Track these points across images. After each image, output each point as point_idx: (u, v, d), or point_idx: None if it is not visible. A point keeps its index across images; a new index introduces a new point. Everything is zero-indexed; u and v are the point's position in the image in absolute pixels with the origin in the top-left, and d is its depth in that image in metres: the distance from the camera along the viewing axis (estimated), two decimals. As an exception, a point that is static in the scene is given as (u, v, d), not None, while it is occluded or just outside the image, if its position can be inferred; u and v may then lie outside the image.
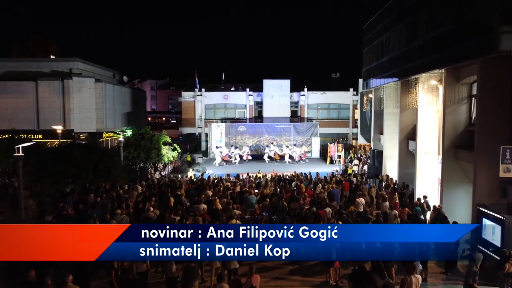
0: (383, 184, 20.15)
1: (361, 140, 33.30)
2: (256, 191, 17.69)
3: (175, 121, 66.86)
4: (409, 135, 17.99)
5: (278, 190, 16.16)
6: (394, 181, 18.72)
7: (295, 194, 14.37)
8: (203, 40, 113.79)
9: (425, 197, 15.20)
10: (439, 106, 15.31)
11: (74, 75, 36.51)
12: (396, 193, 17.84)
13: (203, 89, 38.09)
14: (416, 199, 15.55)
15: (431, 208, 15.09)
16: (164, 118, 76.30)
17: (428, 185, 15.91)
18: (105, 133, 38.71)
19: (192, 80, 41.88)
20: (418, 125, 15.93)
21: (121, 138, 21.60)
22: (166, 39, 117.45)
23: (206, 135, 35.98)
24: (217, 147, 32.18)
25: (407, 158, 18.05)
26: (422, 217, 14.40)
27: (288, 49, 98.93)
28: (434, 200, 15.64)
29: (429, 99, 15.50)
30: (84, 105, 36.11)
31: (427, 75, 14.75)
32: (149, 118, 74.76)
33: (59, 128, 29.25)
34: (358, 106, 34.28)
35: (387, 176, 19.91)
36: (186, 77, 56.77)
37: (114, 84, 40.74)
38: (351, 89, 37.84)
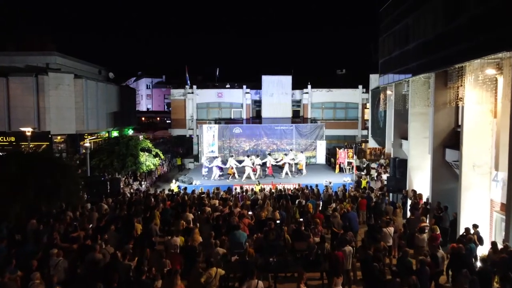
0: (409, 201, 16.30)
1: (372, 144, 29.44)
2: (250, 213, 13.85)
3: (170, 121, 63.30)
4: (446, 141, 14.08)
5: (278, 215, 12.22)
6: (426, 200, 14.81)
7: (301, 228, 10.38)
8: (201, 37, 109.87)
9: (475, 226, 11.32)
10: (495, 105, 11.42)
11: (51, 70, 32.62)
12: (428, 216, 13.98)
13: (194, 86, 34.15)
14: (463, 230, 11.63)
15: (483, 243, 11.24)
16: (158, 118, 72.59)
17: (476, 210, 11.99)
18: (86, 135, 34.95)
19: (190, 77, 37.83)
20: (464, 129, 12.02)
21: (87, 144, 17.73)
22: (163, 37, 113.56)
23: (198, 137, 32.06)
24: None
25: (443, 170, 14.14)
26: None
27: (288, 43, 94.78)
28: (485, 231, 11.76)
29: (480, 95, 11.59)
30: (62, 104, 32.26)
31: (480, 62, 10.85)
32: (143, 118, 71.25)
33: (28, 130, 25.43)
34: (369, 105, 30.40)
35: (414, 191, 16.00)
36: (184, 75, 53.38)
37: (97, 81, 36.86)
38: (360, 86, 33.91)
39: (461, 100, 12.44)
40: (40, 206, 12.74)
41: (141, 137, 28.12)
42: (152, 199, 16.22)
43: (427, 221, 13.12)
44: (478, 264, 10.66)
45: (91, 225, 12.98)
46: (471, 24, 10.62)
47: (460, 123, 13.67)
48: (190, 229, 12.06)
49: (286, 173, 23.22)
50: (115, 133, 38.27)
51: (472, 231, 11.17)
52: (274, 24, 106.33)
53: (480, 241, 11.12)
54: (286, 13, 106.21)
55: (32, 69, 32.44)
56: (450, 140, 14.03)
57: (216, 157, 24.40)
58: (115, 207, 15.14)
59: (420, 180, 16.45)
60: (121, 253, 9.68)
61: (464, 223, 11.89)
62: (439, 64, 12.86)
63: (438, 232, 11.20)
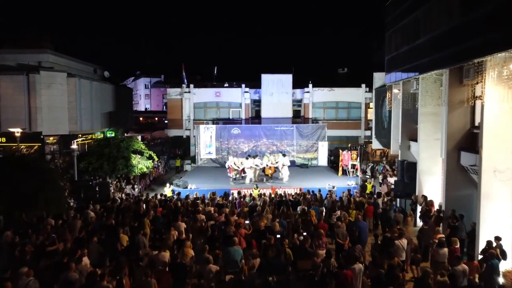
0: (418, 207, 15.17)
1: (376, 145, 28.27)
2: (248, 222, 12.70)
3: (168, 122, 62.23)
4: (461, 143, 12.95)
5: (278, 226, 11.05)
6: (439, 208, 13.66)
7: (306, 245, 9.16)
8: (201, 37, 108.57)
9: (498, 239, 10.18)
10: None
11: (43, 69, 31.48)
12: (441, 225, 12.85)
13: (191, 85, 32.97)
14: (482, 242, 10.50)
15: (506, 257, 10.10)
16: (157, 118, 71.55)
17: (498, 220, 10.85)
18: (80, 135, 33.80)
19: (188, 77, 36.58)
20: (484, 130, 10.88)
21: (74, 146, 16.56)
22: (163, 37, 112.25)
23: (195, 138, 30.88)
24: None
25: (458, 175, 13.00)
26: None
27: (289, 42, 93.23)
28: (507, 244, 10.60)
29: (502, 92, 10.46)
30: (54, 103, 31.12)
31: (504, 56, 9.71)
32: (141, 118, 70.30)
33: (17, 131, 24.39)
34: (372, 104, 29.24)
35: (425, 197, 14.85)
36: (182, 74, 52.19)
37: (92, 80, 35.66)
38: (363, 85, 32.75)
39: (480, 99, 11.31)
40: (21, 215, 11.64)
41: (139, 137, 26.96)
42: (143, 206, 15.08)
43: (454, 239, 11.73)
44: (500, 280, 9.60)
45: (73, 236, 11.85)
46: (497, 13, 9.47)
47: (476, 124, 12.58)
48: (182, 241, 10.91)
49: (251, 179, 21.66)
50: (110, 134, 37.15)
51: (494, 244, 10.06)
52: (274, 23, 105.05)
53: (503, 255, 9.98)
54: (286, 12, 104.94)
55: (23, 67, 31.31)
56: (465, 142, 12.90)
57: (247, 158, 22.61)
58: (102, 215, 14.00)
59: (431, 185, 15.35)
60: (101, 271, 8.54)
61: (484, 234, 10.74)
62: (455, 59, 11.71)
63: (458, 245, 10.05)
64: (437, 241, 10.53)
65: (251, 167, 21.54)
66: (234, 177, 21.75)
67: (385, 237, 10.32)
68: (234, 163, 21.83)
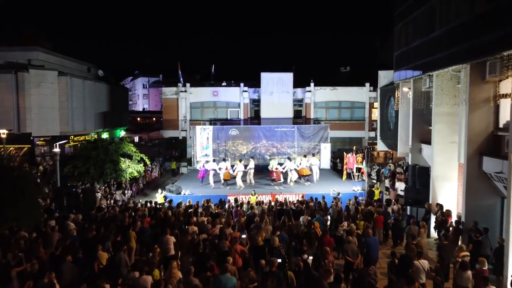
0: (432, 217, 13.81)
1: (381, 146, 26.91)
2: (244, 236, 11.34)
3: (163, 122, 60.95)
4: (483, 147, 11.57)
5: (277, 241, 9.65)
6: (458, 219, 12.27)
7: (314, 272, 7.72)
8: (200, 36, 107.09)
9: (532, 259, 8.82)
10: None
11: (32, 67, 30.13)
12: (460, 238, 11.49)
13: (188, 84, 31.58)
14: (513, 261, 9.15)
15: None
16: (154, 119, 70.32)
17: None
18: (72, 137, 32.52)
19: (187, 76, 35.16)
20: (514, 133, 9.51)
21: (56, 149, 15.18)
22: (162, 36, 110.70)
23: (192, 139, 29.51)
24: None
25: (480, 183, 11.61)
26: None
27: (289, 40, 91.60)
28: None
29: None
30: (44, 103, 29.79)
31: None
32: (138, 119, 69.12)
33: (3, 132, 23.12)
34: (377, 104, 27.89)
35: (440, 206, 13.49)
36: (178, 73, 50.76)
37: (85, 79, 34.26)
38: (367, 84, 31.36)
39: (507, 96, 9.95)
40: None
41: (136, 138, 25.53)
42: (130, 215, 13.68)
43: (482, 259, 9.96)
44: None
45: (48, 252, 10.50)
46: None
47: (501, 125, 11.24)
48: (169, 260, 9.55)
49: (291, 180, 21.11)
50: (105, 135, 35.86)
51: (528, 265, 8.70)
52: (274, 22, 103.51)
53: (540, 278, 8.63)
54: (286, 11, 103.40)
55: (11, 65, 29.95)
56: (488, 146, 11.52)
57: (290, 159, 22.41)
58: (84, 226, 12.61)
59: (447, 193, 14.00)
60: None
61: (514, 252, 9.38)
62: (479, 52, 10.36)
63: (486, 267, 8.67)
64: (460, 259, 9.18)
65: (295, 168, 21.01)
66: (281, 181, 21.18)
67: (403, 256, 8.94)
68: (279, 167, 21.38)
